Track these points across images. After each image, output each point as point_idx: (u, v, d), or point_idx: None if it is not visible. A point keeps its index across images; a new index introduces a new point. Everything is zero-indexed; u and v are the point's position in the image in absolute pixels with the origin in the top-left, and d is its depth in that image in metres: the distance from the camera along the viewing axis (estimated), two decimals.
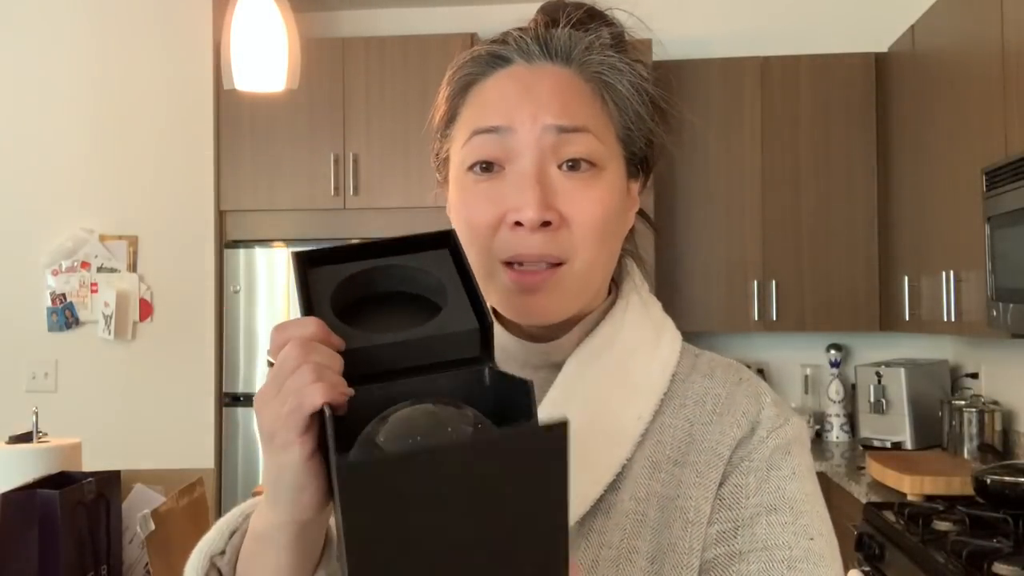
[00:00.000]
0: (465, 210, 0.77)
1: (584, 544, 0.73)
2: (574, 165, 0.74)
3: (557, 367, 0.79)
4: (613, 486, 0.74)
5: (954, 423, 3.27)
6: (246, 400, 3.75)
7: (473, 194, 0.76)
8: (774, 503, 0.75)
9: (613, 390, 0.77)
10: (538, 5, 0.84)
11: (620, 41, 0.82)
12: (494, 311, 0.79)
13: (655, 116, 0.81)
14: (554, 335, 0.79)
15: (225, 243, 3.82)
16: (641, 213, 0.86)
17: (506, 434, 0.49)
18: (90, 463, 2.11)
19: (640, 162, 0.82)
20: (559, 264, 0.74)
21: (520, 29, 0.81)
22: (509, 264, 0.74)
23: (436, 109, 0.84)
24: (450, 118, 0.81)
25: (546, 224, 0.73)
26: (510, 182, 0.74)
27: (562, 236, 0.73)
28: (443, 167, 0.84)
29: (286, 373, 0.55)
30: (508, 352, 0.80)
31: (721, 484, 0.75)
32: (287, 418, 0.55)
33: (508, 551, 0.47)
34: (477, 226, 0.75)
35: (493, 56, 0.79)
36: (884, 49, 3.75)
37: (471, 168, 0.76)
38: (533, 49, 0.78)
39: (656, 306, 0.85)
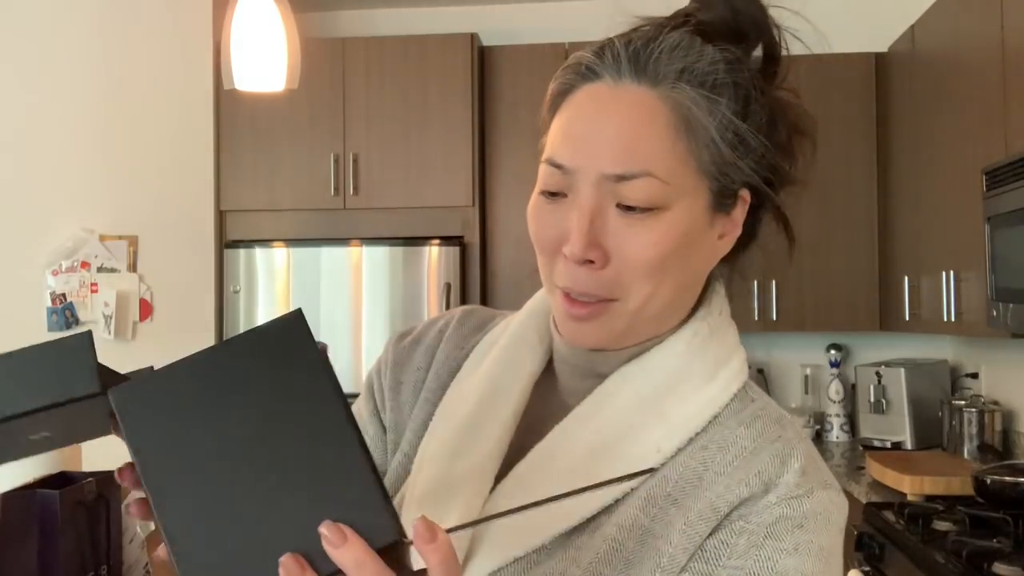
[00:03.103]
0: (534, 225, 0.78)
1: (560, 555, 0.72)
2: (630, 208, 0.72)
3: (604, 379, 0.79)
4: (608, 509, 0.73)
5: (954, 423, 3.27)
6: None
7: (540, 213, 0.77)
8: (757, 572, 0.69)
9: (642, 416, 0.75)
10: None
11: (736, 64, 0.76)
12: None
13: (765, 147, 0.76)
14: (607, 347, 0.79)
15: (225, 243, 3.82)
16: (782, 219, 0.84)
17: (246, 333, 0.52)
18: (90, 463, 2.10)
19: (740, 190, 0.76)
20: (611, 300, 0.74)
21: (628, 34, 0.77)
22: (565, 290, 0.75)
23: (545, 103, 0.82)
24: (547, 121, 0.81)
25: (590, 262, 0.72)
26: (568, 213, 0.74)
27: (608, 274, 0.73)
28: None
29: None
30: (562, 355, 0.81)
31: (709, 536, 0.71)
32: None
33: (295, 449, 0.50)
34: (541, 244, 0.77)
35: (586, 67, 0.76)
36: (884, 49, 3.75)
37: (541, 192, 0.77)
38: (623, 65, 0.74)
39: (727, 338, 0.81)
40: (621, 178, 0.72)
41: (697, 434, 0.74)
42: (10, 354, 0.55)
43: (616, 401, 0.76)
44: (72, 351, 0.53)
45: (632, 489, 0.73)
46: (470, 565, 0.73)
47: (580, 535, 0.72)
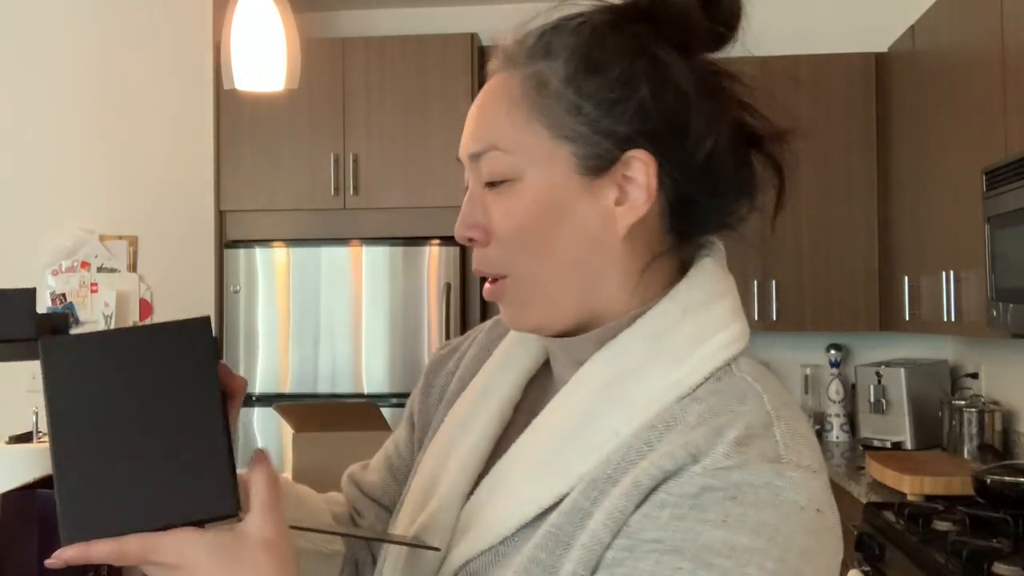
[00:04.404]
0: None
1: (515, 546, 0.72)
2: (491, 184, 0.75)
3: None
4: (562, 497, 0.72)
5: (954, 423, 3.27)
6: (246, 400, 3.73)
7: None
8: (678, 545, 0.64)
9: (605, 402, 0.73)
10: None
11: (600, 30, 0.73)
12: None
13: (641, 105, 0.72)
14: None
15: (225, 243, 3.82)
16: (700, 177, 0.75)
17: (162, 324, 0.65)
18: None
19: (622, 152, 0.72)
20: (503, 276, 0.75)
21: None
22: None
23: None
24: None
25: (473, 241, 0.76)
26: None
27: (491, 251, 0.75)
28: None
29: None
30: (551, 348, 0.82)
31: (633, 512, 0.67)
32: None
33: (172, 427, 0.62)
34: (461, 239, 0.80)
35: (487, 71, 0.81)
36: (884, 49, 3.75)
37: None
38: (498, 60, 0.78)
39: (711, 316, 0.75)
40: (476, 156, 0.75)
41: (656, 416, 0.71)
42: None
43: (582, 389, 0.75)
44: (18, 299, 0.65)
45: (585, 475, 0.71)
46: (449, 557, 0.76)
47: (536, 526, 0.72)
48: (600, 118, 0.72)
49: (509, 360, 0.85)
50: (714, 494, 0.65)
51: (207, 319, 0.65)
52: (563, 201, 0.73)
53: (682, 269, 0.78)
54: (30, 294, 0.65)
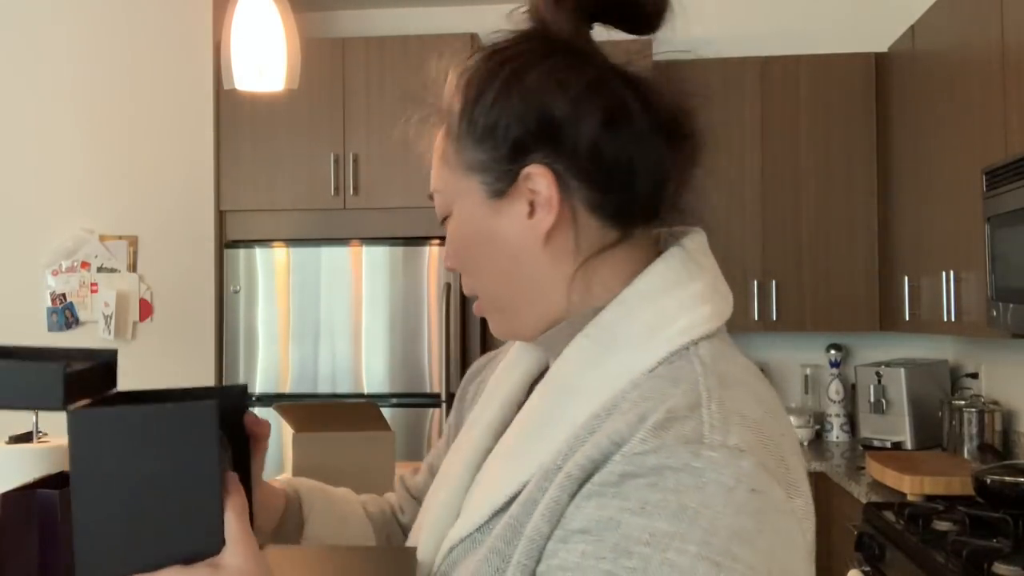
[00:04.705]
0: None
1: (485, 536, 0.75)
2: (443, 221, 0.85)
3: None
4: (523, 488, 0.74)
5: (954, 423, 3.27)
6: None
7: None
8: (601, 535, 0.65)
9: (566, 391, 0.76)
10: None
11: (481, 62, 0.82)
12: None
13: (522, 122, 0.76)
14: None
15: (225, 243, 3.82)
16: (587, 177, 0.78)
17: (173, 406, 0.73)
18: None
19: (521, 169, 0.76)
20: (475, 296, 0.85)
21: None
22: None
23: None
24: None
25: (452, 269, 0.86)
26: None
27: (465, 278, 0.85)
28: None
29: None
30: (542, 348, 0.86)
31: (568, 503, 0.69)
32: None
33: (178, 492, 0.71)
34: None
35: None
36: (884, 49, 3.75)
37: None
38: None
39: (670, 302, 0.76)
40: (431, 198, 0.86)
41: (603, 404, 0.72)
42: (11, 360, 0.77)
43: (550, 382, 0.79)
44: (52, 372, 0.74)
45: (543, 465, 0.73)
46: (443, 543, 0.80)
47: (502, 516, 0.74)
48: (494, 145, 0.77)
49: (514, 362, 0.90)
50: (634, 481, 0.65)
51: (214, 406, 0.73)
52: (482, 226, 0.80)
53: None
54: (61, 368, 0.75)
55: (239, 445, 0.83)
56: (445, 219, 0.84)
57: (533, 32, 0.81)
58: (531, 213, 0.77)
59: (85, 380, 0.78)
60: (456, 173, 0.80)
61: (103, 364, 0.82)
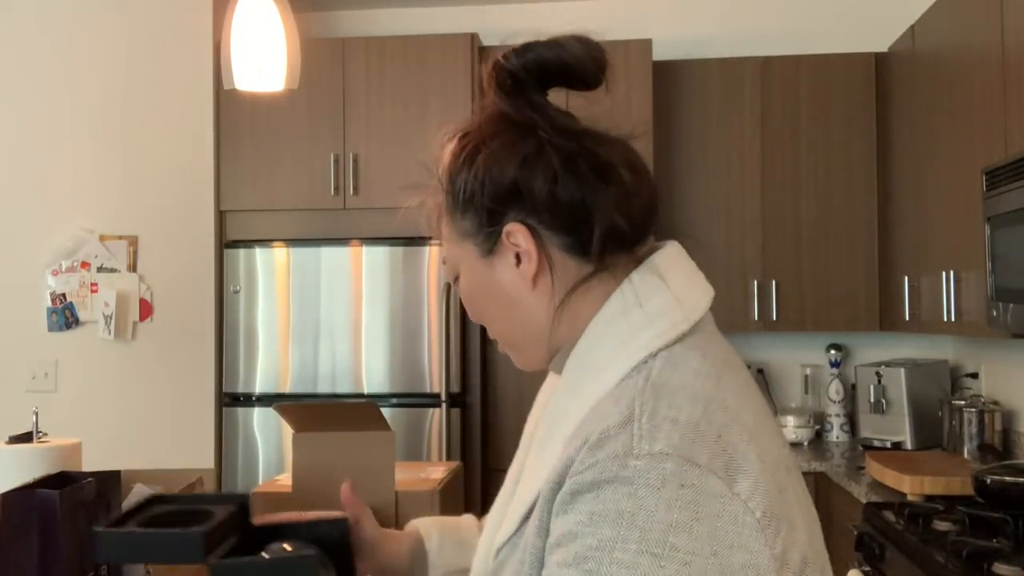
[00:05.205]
0: None
1: (520, 543, 0.84)
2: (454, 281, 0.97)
3: None
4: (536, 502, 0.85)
5: (954, 423, 3.28)
6: (246, 400, 3.75)
7: None
8: (564, 543, 0.75)
9: (556, 421, 0.87)
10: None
11: (454, 141, 0.93)
12: None
13: (491, 189, 0.89)
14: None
15: (225, 243, 3.82)
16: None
17: (284, 558, 0.95)
18: (90, 463, 2.10)
19: (502, 228, 0.89)
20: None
21: None
22: None
23: None
24: None
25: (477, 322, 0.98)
26: None
27: (486, 325, 0.97)
28: None
29: None
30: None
31: (539, 521, 0.80)
32: None
33: None
34: None
35: None
36: (884, 49, 3.75)
37: None
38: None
39: (625, 323, 0.86)
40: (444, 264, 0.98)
41: (575, 427, 0.82)
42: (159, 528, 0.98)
43: (549, 408, 0.91)
44: (195, 539, 0.93)
45: (545, 482, 0.83)
46: (495, 543, 0.91)
47: (525, 525, 0.85)
48: (475, 213, 0.90)
49: (547, 384, 1.06)
50: (582, 497, 0.75)
51: (319, 555, 0.96)
52: (483, 281, 0.92)
53: None
54: (200, 534, 0.93)
55: (343, 560, 1.04)
56: (456, 280, 0.95)
57: (490, 112, 0.92)
58: (517, 263, 0.89)
59: (222, 530, 0.95)
60: (454, 242, 0.93)
61: (236, 510, 1.01)
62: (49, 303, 3.81)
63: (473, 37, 3.76)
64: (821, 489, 3.31)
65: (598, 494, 0.74)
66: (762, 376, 4.03)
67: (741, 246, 3.82)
